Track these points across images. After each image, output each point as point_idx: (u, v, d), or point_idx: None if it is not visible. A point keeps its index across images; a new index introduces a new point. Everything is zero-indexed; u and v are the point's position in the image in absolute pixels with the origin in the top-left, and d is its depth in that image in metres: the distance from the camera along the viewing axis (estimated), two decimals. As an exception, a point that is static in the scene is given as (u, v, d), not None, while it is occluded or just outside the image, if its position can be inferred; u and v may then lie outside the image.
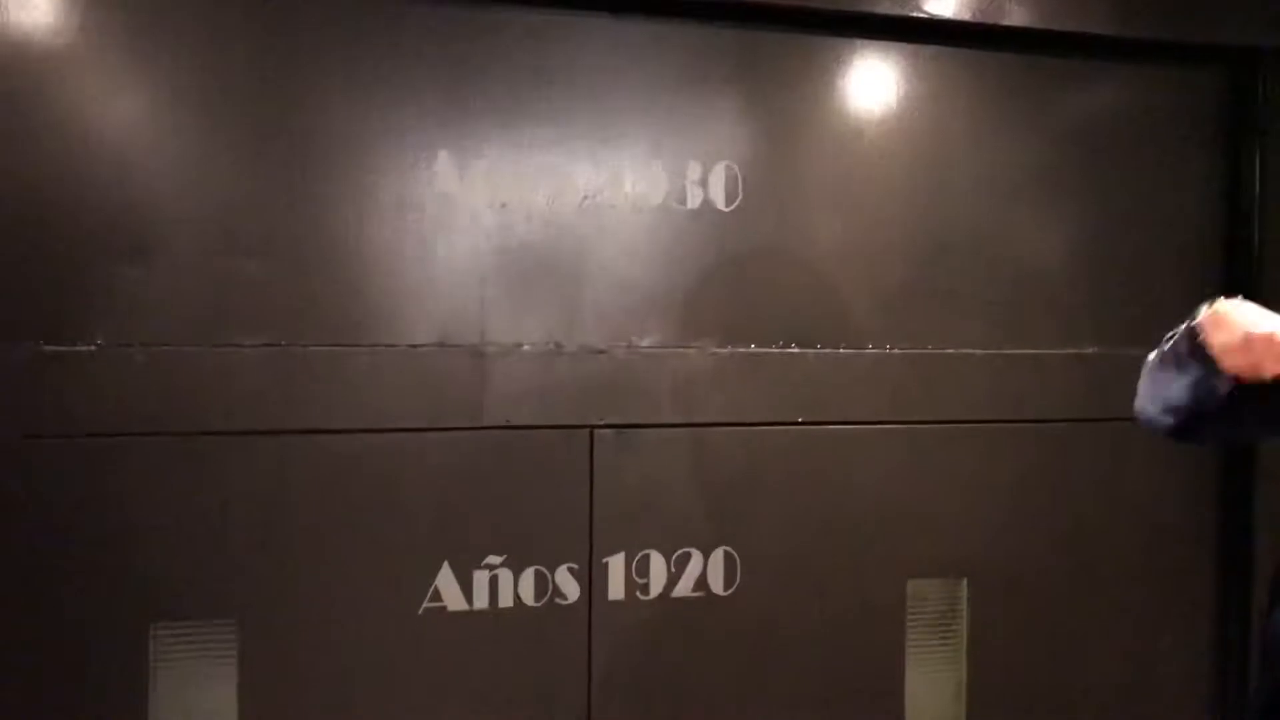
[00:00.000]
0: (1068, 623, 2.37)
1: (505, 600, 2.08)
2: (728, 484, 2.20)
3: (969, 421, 2.31)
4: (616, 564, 2.14)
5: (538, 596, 2.10)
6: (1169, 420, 1.28)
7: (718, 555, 2.19)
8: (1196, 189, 2.45)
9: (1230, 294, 1.29)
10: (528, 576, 2.09)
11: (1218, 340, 1.20)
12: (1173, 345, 1.27)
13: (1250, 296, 2.29)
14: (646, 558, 2.16)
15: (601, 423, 2.13)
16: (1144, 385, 1.33)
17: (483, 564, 2.07)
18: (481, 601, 2.07)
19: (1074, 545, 2.37)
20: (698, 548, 2.18)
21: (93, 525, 1.89)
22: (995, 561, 2.33)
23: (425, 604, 2.04)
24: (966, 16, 2.24)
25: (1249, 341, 1.17)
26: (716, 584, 2.19)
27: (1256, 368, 1.16)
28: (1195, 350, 1.22)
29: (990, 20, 2.25)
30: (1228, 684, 2.43)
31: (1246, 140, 2.43)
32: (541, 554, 2.10)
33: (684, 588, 2.17)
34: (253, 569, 1.96)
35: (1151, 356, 1.33)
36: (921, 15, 2.21)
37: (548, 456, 2.10)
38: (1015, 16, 2.26)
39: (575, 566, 2.12)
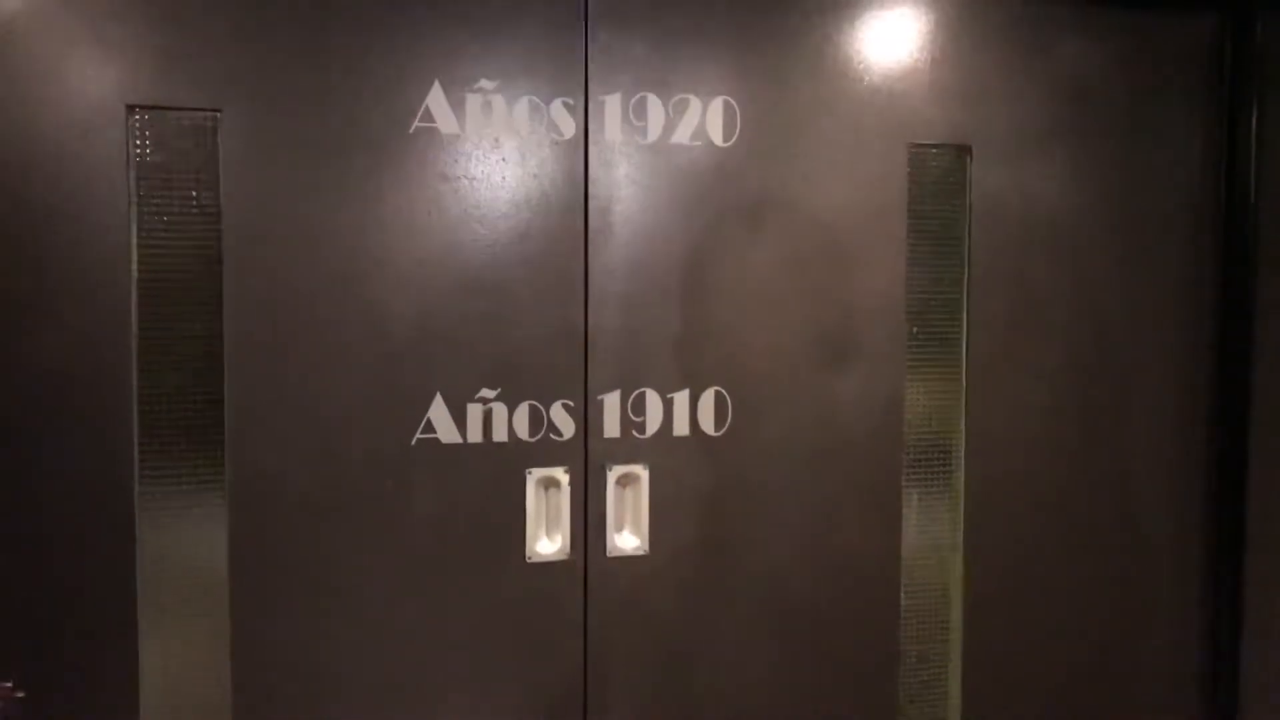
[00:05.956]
0: (1068, 195, 2.35)
1: (499, 127, 2.03)
2: (727, 31, 2.13)
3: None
4: (613, 103, 2.08)
5: (531, 129, 2.04)
6: None
7: (716, 104, 2.13)
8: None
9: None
10: (521, 106, 2.03)
11: None
12: None
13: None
14: (644, 100, 2.09)
15: (598, -54, 2.04)
16: None
17: (475, 88, 2.01)
18: (475, 124, 2.01)
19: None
20: (697, 95, 2.12)
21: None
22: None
23: (416, 123, 1.98)
24: None
25: None
26: (715, 135, 2.14)
27: None
28: None
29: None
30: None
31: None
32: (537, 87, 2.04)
33: (682, 135, 2.12)
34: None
35: None
36: None
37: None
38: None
39: (570, 101, 2.06)
